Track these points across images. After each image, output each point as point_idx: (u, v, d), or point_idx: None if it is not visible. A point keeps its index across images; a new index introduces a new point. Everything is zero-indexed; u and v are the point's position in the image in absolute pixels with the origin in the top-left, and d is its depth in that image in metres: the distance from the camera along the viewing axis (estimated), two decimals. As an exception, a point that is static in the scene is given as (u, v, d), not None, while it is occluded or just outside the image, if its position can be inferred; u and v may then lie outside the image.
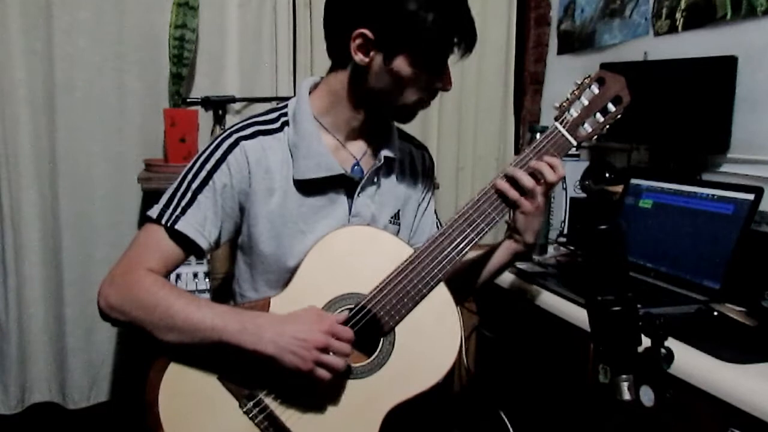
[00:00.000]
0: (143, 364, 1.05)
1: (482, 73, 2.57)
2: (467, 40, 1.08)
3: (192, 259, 1.12)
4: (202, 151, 1.12)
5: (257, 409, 1.04)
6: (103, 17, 2.09)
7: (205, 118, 2.13)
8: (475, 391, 1.94)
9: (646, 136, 1.95)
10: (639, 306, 0.85)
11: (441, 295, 1.10)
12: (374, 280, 1.09)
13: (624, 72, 1.18)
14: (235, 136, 1.10)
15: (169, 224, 1.06)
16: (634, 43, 2.11)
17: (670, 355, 0.86)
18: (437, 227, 1.29)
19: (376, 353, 1.07)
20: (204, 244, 1.09)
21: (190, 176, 1.09)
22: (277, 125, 1.14)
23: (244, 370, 1.04)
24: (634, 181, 1.76)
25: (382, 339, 1.08)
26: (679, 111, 1.81)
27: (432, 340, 1.09)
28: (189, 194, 1.08)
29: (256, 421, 1.04)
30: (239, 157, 1.09)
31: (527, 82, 2.64)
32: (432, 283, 1.09)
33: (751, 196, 1.43)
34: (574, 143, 1.17)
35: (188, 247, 1.08)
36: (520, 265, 1.67)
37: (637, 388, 0.84)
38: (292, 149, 1.12)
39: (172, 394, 1.03)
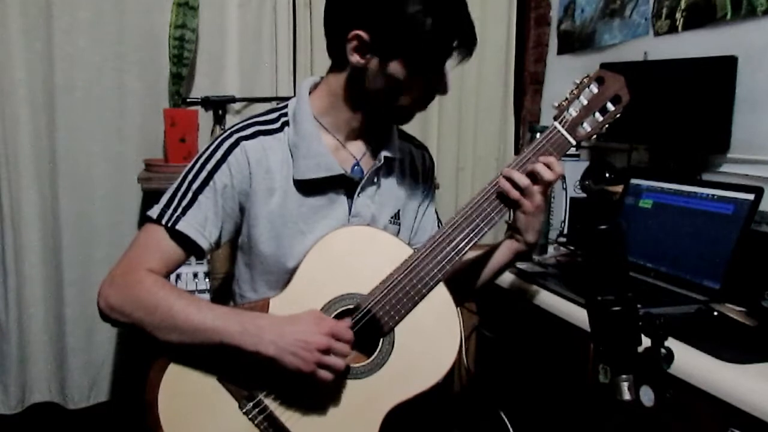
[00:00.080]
0: (143, 364, 1.05)
1: (482, 73, 2.57)
2: (466, 45, 1.06)
3: (192, 259, 1.12)
4: (202, 152, 1.11)
5: (257, 409, 1.04)
6: (103, 17, 2.09)
7: (205, 118, 2.13)
8: (475, 391, 1.94)
9: (646, 136, 1.95)
10: (639, 306, 0.84)
11: (441, 295, 1.10)
12: (374, 281, 1.09)
13: (624, 72, 1.18)
14: (236, 136, 1.10)
15: (169, 224, 1.06)
16: (634, 43, 2.11)
17: (670, 355, 0.86)
18: (437, 227, 1.28)
19: (375, 353, 1.07)
20: (205, 244, 1.09)
21: (190, 176, 1.09)
22: (277, 125, 1.14)
23: (244, 371, 1.04)
24: (634, 181, 1.76)
25: (381, 339, 1.08)
26: (679, 111, 1.81)
27: (432, 340, 1.09)
28: (190, 194, 1.08)
29: (255, 422, 1.04)
30: (240, 158, 1.09)
31: (527, 82, 2.64)
32: (432, 284, 1.09)
33: (751, 196, 1.43)
34: (574, 142, 1.16)
35: (189, 247, 1.08)
36: (520, 265, 1.67)
37: (637, 388, 0.84)
38: (292, 149, 1.12)
39: (172, 395, 1.03)
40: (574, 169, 1.97)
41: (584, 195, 1.97)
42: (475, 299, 1.89)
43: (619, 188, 1.81)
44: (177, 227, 1.06)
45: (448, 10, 1.04)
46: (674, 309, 1.36)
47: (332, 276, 1.10)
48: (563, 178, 1.80)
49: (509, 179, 1.13)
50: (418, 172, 1.28)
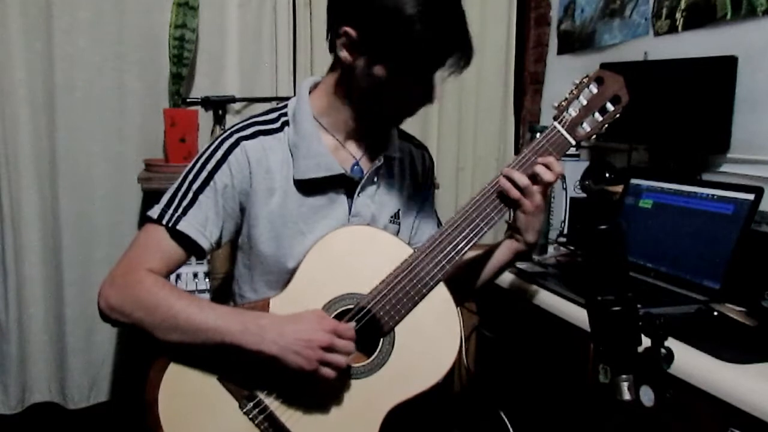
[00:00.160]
0: (143, 364, 1.05)
1: (482, 73, 2.57)
2: (459, 58, 1.03)
3: (192, 259, 1.12)
4: (202, 152, 1.11)
5: (257, 409, 1.04)
6: (103, 17, 2.09)
7: (205, 118, 2.13)
8: (475, 391, 1.94)
9: (646, 136, 1.95)
10: (639, 306, 0.84)
11: (441, 295, 1.10)
12: (374, 281, 1.09)
13: (624, 72, 1.18)
14: (236, 136, 1.10)
15: (170, 225, 1.06)
16: (634, 43, 2.11)
17: (670, 355, 0.86)
18: (437, 227, 1.28)
19: (375, 353, 1.07)
20: (205, 244, 1.08)
21: (191, 176, 1.09)
22: (277, 125, 1.13)
23: (245, 371, 1.04)
24: (634, 181, 1.76)
25: (381, 339, 1.08)
26: (679, 111, 1.81)
27: (432, 340, 1.09)
28: (190, 194, 1.08)
29: (255, 422, 1.04)
30: (240, 157, 1.09)
31: (527, 82, 2.64)
32: (432, 283, 1.09)
33: (751, 196, 1.43)
34: (573, 142, 1.17)
35: (189, 247, 1.08)
36: (520, 265, 1.67)
37: (637, 388, 0.84)
38: (292, 149, 1.12)
39: (172, 395, 1.03)
40: (574, 169, 1.97)
41: (584, 195, 1.97)
42: (475, 299, 1.89)
43: (619, 188, 1.81)
44: (178, 227, 1.06)
45: (444, 20, 1.01)
46: (674, 309, 1.36)
47: (332, 276, 1.10)
48: (563, 178, 1.81)
49: (509, 179, 1.13)
50: (417, 171, 1.28)
